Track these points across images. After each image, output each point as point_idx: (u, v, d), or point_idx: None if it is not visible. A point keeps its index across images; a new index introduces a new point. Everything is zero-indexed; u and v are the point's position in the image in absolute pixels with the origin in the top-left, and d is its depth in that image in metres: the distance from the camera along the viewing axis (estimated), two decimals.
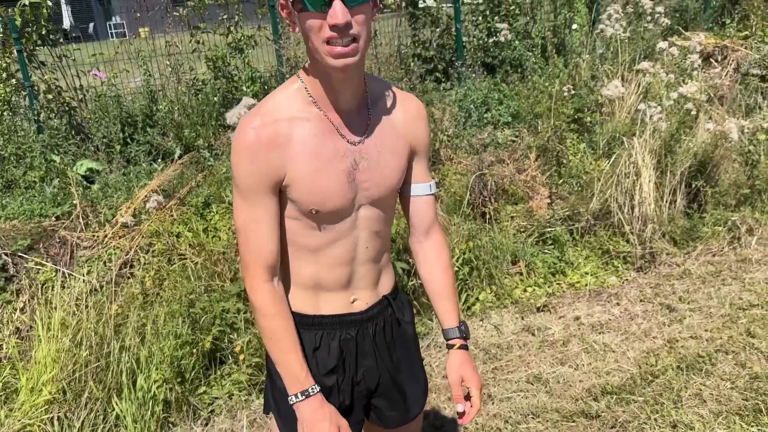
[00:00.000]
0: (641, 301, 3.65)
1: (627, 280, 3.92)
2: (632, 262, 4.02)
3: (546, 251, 4.08)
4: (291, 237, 1.40)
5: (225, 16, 5.72)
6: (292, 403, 1.36)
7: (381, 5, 1.34)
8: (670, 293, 3.69)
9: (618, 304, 3.64)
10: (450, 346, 1.54)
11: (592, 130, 5.03)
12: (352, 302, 1.47)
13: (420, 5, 6.75)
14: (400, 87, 5.70)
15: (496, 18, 6.97)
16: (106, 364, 2.86)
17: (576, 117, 5.06)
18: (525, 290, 3.82)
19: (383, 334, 1.53)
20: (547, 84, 5.52)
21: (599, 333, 3.38)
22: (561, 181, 4.64)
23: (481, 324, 3.53)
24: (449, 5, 7.18)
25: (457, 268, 3.62)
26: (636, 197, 4.05)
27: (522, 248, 4.00)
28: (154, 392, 2.82)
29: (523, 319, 3.57)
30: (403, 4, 6.76)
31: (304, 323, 1.44)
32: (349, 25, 1.17)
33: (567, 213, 4.26)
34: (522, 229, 4.23)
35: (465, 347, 1.53)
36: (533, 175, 4.68)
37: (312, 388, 1.36)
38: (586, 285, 3.87)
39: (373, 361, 1.51)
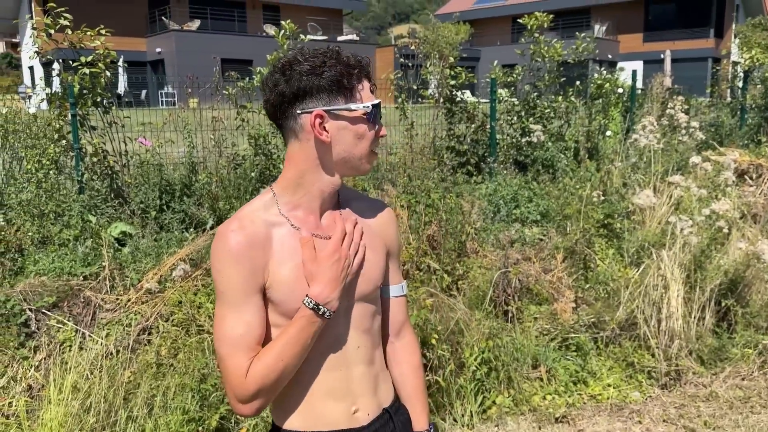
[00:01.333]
0: (664, 421, 3.50)
1: (650, 396, 3.77)
2: (657, 378, 3.88)
3: (569, 357, 3.98)
4: None
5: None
6: (311, 306, 1.27)
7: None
8: (695, 416, 3.54)
9: (640, 422, 3.49)
10: None
11: (622, 237, 5.00)
12: (354, 413, 1.39)
13: (457, 100, 6.97)
14: (431, 177, 5.81)
15: (530, 119, 7.15)
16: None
17: (605, 222, 5.06)
18: (544, 398, 3.69)
19: None
20: (578, 187, 5.56)
21: None
22: (587, 285, 4.59)
23: (496, 430, 3.41)
24: (486, 101, 7.41)
25: (474, 368, 3.54)
26: (663, 311, 3.96)
27: (544, 352, 3.91)
28: None
29: (540, 429, 3.44)
30: (441, 100, 6.99)
31: None
32: None
33: (592, 320, 4.18)
34: (545, 332, 4.15)
35: None
36: (559, 276, 4.63)
37: (305, 300, 1.28)
38: (608, 398, 3.74)
39: None
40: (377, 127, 1.37)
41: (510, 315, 4.23)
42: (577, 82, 8.03)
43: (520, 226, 5.42)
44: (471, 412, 3.47)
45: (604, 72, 8.57)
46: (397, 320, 1.55)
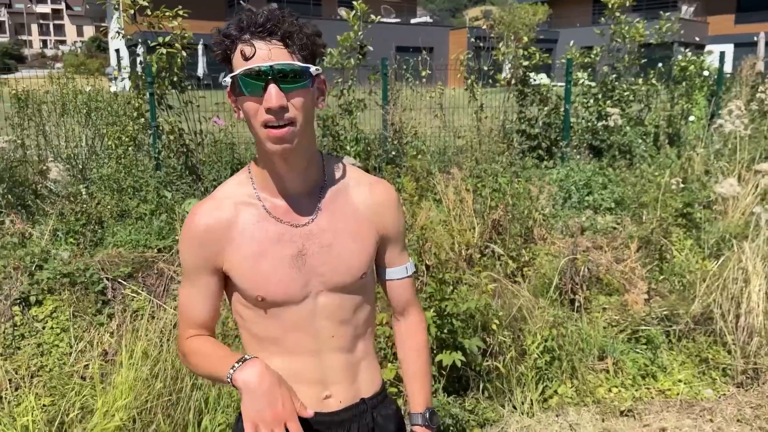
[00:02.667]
0: (738, 421, 3.31)
1: (725, 395, 3.57)
2: (732, 375, 3.67)
3: (638, 351, 3.82)
4: (248, 327, 1.37)
5: (340, 80, 6.00)
6: (229, 379, 1.19)
7: (326, 95, 1.32)
8: None
9: (711, 420, 3.32)
10: None
11: (701, 228, 4.75)
12: (324, 398, 1.37)
13: (531, 83, 6.78)
14: (499, 161, 5.71)
15: (608, 102, 6.87)
16: (177, 399, 2.94)
17: (684, 212, 4.81)
18: (609, 390, 3.57)
19: None
20: (656, 173, 5.32)
21: None
22: (662, 277, 4.38)
23: (556, 420, 3.32)
24: (561, 85, 7.17)
25: (536, 356, 3.46)
26: (743, 306, 3.73)
27: (611, 344, 3.77)
28: None
29: (603, 421, 3.32)
30: (513, 81, 6.82)
31: None
32: (285, 109, 1.18)
33: (665, 312, 4.00)
34: (613, 323, 4.00)
35: None
36: (632, 266, 4.44)
37: (247, 355, 1.22)
38: (678, 394, 3.57)
39: None
40: (258, 98, 1.18)
41: (577, 304, 4.10)
42: (660, 64, 7.64)
43: (592, 214, 5.23)
44: (531, 400, 3.39)
45: (690, 55, 8.11)
46: (400, 301, 1.49)
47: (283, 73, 1.17)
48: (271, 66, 1.16)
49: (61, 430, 2.93)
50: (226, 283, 1.36)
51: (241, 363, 1.19)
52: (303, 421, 1.25)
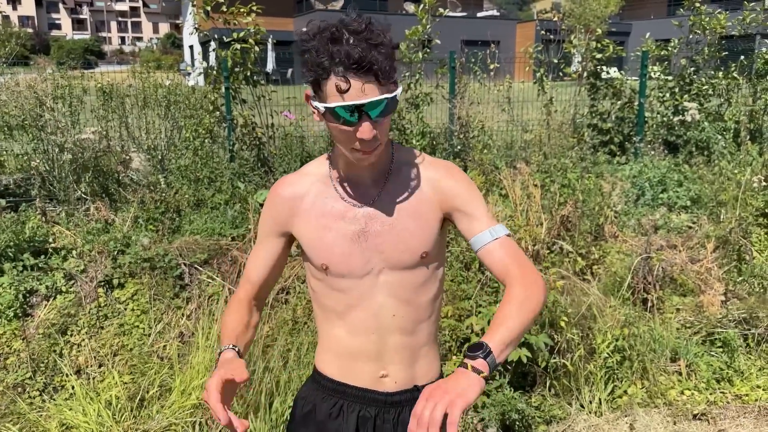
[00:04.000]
0: None
1: None
2: None
3: (713, 353, 3.68)
4: (315, 297, 1.50)
5: (408, 74, 6.02)
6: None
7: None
8: None
9: None
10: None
11: None
12: (381, 377, 1.44)
13: (603, 76, 6.60)
14: (569, 156, 5.58)
15: (685, 96, 6.61)
16: (249, 381, 3.05)
17: (766, 211, 4.58)
18: (682, 392, 3.46)
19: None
20: (736, 171, 5.09)
21: None
22: (740, 278, 4.20)
23: (624, 420, 3.25)
24: (634, 78, 6.95)
25: (606, 355, 3.39)
26: None
27: (685, 346, 3.65)
28: (287, 417, 2.94)
29: (675, 424, 3.23)
30: (585, 74, 6.66)
31: (327, 387, 1.49)
32: (376, 137, 1.26)
33: (743, 315, 3.83)
34: (687, 325, 3.87)
35: (472, 368, 1.14)
36: (708, 267, 4.28)
37: (223, 347, 1.38)
38: (756, 400, 3.42)
39: None
40: (353, 128, 1.24)
41: (649, 304, 3.99)
42: (742, 57, 7.28)
43: (666, 212, 5.06)
44: (600, 399, 3.33)
45: None
46: (497, 266, 1.35)
47: (374, 107, 1.23)
48: (366, 103, 1.21)
49: (141, 406, 3.09)
50: (303, 255, 1.49)
51: (217, 355, 1.39)
52: (361, 395, 1.42)
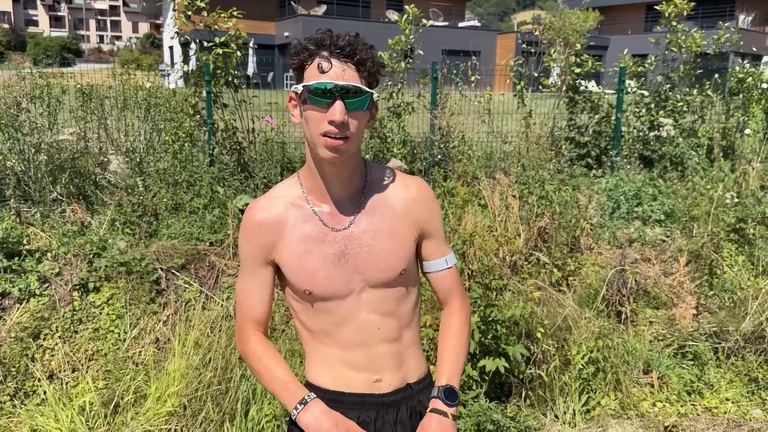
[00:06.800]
0: None
1: None
2: None
3: (684, 366, 3.76)
4: (301, 319, 1.50)
5: (390, 83, 6.06)
6: (294, 417, 1.39)
7: (374, 119, 1.45)
8: None
9: None
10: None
11: (755, 244, 4.63)
12: (375, 382, 1.49)
13: (581, 90, 6.71)
14: (547, 168, 5.65)
15: (661, 112, 6.75)
16: (226, 388, 3.03)
17: (737, 227, 4.70)
18: (654, 404, 3.52)
19: (408, 426, 1.50)
20: (709, 187, 5.21)
21: None
22: (711, 292, 4.30)
23: (598, 431, 3.30)
24: (612, 93, 7.07)
25: (581, 366, 3.44)
26: None
27: (657, 358, 3.72)
28: (263, 426, 2.93)
29: None
30: (563, 88, 6.76)
31: (323, 399, 1.45)
32: (345, 125, 1.30)
33: (714, 329, 3.92)
34: (660, 337, 3.95)
35: (442, 413, 1.44)
36: (681, 280, 4.37)
37: (308, 396, 1.40)
38: (725, 413, 3.50)
39: None
40: (325, 110, 1.29)
41: (623, 316, 4.06)
42: (716, 75, 7.46)
43: (640, 225, 5.15)
44: (574, 410, 3.38)
45: (747, 66, 7.89)
46: (442, 291, 1.57)
47: (350, 93, 1.29)
48: (343, 84, 1.28)
49: (115, 412, 3.05)
50: (280, 278, 1.49)
51: (303, 405, 1.38)
52: (358, 401, 1.47)
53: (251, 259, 1.46)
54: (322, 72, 1.29)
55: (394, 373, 1.50)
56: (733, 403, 3.57)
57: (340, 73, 1.29)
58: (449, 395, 1.47)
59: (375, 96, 1.36)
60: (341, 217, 1.43)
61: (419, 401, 1.53)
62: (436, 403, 1.46)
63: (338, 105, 1.28)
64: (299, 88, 1.33)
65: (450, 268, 1.56)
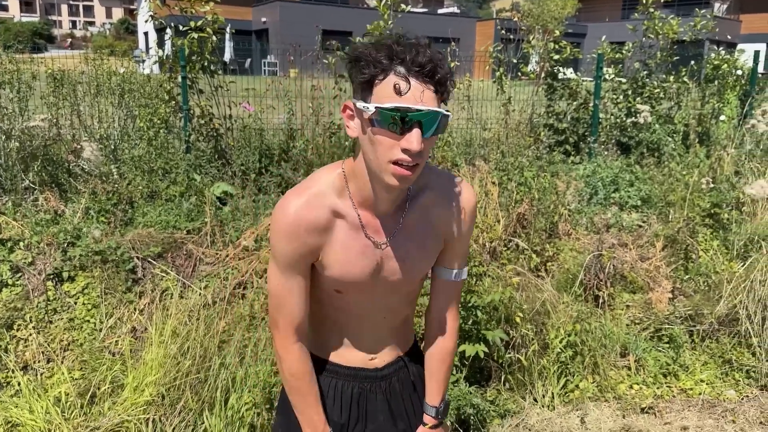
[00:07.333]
0: (761, 423, 3.29)
1: (747, 396, 3.56)
2: (756, 378, 3.65)
3: (660, 349, 3.81)
4: (316, 305, 1.50)
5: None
6: None
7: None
8: None
9: (734, 421, 3.31)
10: (423, 423, 1.61)
11: (729, 229, 4.70)
12: (371, 360, 1.57)
13: (560, 77, 6.73)
14: (526, 155, 5.68)
15: (638, 99, 6.80)
16: (204, 377, 3.00)
17: (712, 212, 4.76)
18: (631, 387, 3.57)
19: (398, 396, 1.61)
20: (684, 173, 5.27)
21: None
22: (687, 277, 4.36)
23: (576, 414, 3.34)
24: (590, 80, 7.11)
25: (559, 350, 3.47)
26: None
27: (634, 341, 3.77)
28: (243, 414, 2.91)
29: (624, 417, 3.33)
30: (542, 75, 6.77)
31: (320, 367, 1.54)
32: (421, 153, 1.18)
33: (689, 312, 3.98)
34: (637, 321, 4.00)
35: (435, 426, 1.61)
36: (657, 265, 4.43)
37: None
38: (700, 394, 3.56)
39: (383, 420, 1.59)
40: (398, 136, 1.17)
41: (600, 301, 4.10)
42: (692, 62, 7.53)
43: (617, 211, 5.20)
44: (552, 393, 3.41)
45: (722, 53, 7.98)
46: (441, 300, 1.57)
47: (429, 119, 1.17)
48: (424, 111, 1.15)
49: (92, 402, 3.01)
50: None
51: None
52: (353, 374, 1.55)
53: (292, 260, 1.36)
54: (399, 92, 1.15)
55: (389, 351, 1.58)
56: (707, 384, 3.64)
57: (419, 96, 1.15)
58: (445, 411, 1.62)
59: (450, 116, 1.24)
60: (383, 232, 1.39)
61: (409, 371, 1.63)
62: (430, 421, 1.60)
63: (416, 134, 1.16)
64: (369, 108, 1.17)
65: (457, 281, 1.54)
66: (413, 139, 1.16)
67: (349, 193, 1.35)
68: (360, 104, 1.20)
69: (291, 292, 1.40)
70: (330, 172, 1.38)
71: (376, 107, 1.16)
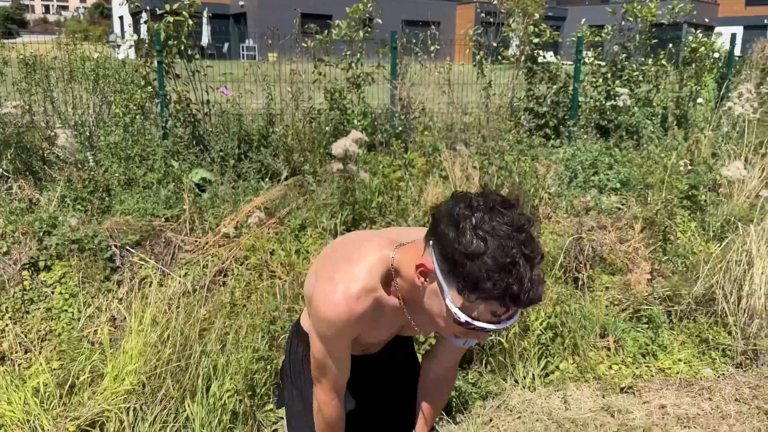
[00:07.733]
0: (736, 400, 3.36)
1: (723, 374, 3.63)
2: (732, 356, 3.72)
3: (639, 329, 3.87)
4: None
5: (348, 53, 5.96)
6: None
7: None
8: None
9: (710, 399, 3.37)
10: None
11: (706, 210, 4.76)
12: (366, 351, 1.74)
13: (540, 61, 6.73)
14: (506, 138, 5.67)
15: (617, 82, 6.83)
16: (185, 365, 2.98)
17: (690, 194, 4.82)
18: (610, 367, 3.62)
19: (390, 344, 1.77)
20: (663, 155, 5.31)
21: (684, 427, 3.13)
22: (665, 258, 4.41)
23: (557, 394, 3.38)
24: (569, 63, 7.12)
25: (539, 332, 3.50)
26: (745, 288, 3.76)
27: (613, 322, 3.82)
28: (225, 401, 2.90)
29: (604, 397, 3.38)
30: (522, 58, 6.77)
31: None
32: None
33: (667, 293, 4.03)
34: (616, 302, 4.04)
35: None
36: (636, 247, 4.47)
37: None
38: (678, 373, 3.62)
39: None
40: (463, 333, 1.29)
41: (580, 283, 4.14)
42: (670, 45, 7.57)
43: (597, 193, 5.24)
44: (533, 375, 3.45)
45: (700, 36, 8.03)
46: (446, 358, 1.71)
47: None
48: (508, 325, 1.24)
49: (71, 392, 2.98)
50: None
51: None
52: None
53: (345, 349, 1.50)
54: (500, 318, 1.19)
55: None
56: (685, 363, 3.70)
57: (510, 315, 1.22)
58: None
59: None
60: (405, 312, 1.48)
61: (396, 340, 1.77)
62: None
63: (486, 334, 1.28)
64: (460, 317, 1.20)
65: (465, 347, 1.69)
66: (484, 337, 1.33)
67: (396, 287, 1.42)
68: (452, 307, 1.20)
69: (336, 362, 1.51)
70: (378, 256, 1.41)
71: (470, 322, 1.20)
